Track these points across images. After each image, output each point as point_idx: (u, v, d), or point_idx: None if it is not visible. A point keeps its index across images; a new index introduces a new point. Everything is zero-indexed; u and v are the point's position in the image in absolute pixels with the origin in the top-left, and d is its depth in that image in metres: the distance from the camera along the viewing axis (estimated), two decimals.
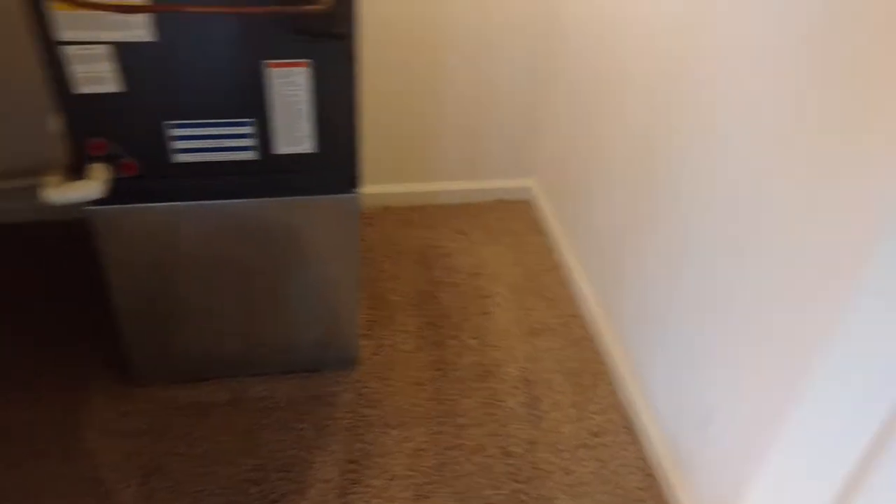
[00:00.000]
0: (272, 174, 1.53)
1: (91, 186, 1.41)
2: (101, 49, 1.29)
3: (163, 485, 1.67)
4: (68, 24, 1.26)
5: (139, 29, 1.28)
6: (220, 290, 1.72)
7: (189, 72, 1.36)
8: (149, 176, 1.48)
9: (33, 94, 1.96)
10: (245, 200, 1.56)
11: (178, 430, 1.78)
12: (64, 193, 1.40)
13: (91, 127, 1.39)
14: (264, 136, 1.47)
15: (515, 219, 2.43)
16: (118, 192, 1.47)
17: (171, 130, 1.43)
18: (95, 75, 1.32)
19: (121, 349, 1.84)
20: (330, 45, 1.33)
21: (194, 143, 1.45)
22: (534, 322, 2.09)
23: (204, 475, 1.69)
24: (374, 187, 2.36)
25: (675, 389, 1.67)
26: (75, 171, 1.44)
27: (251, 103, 1.42)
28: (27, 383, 1.84)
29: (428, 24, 2.10)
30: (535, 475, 1.74)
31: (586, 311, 2.10)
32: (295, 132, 1.47)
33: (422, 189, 2.41)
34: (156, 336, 1.77)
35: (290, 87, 1.39)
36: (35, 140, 2.03)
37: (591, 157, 2.04)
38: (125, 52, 1.31)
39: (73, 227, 2.24)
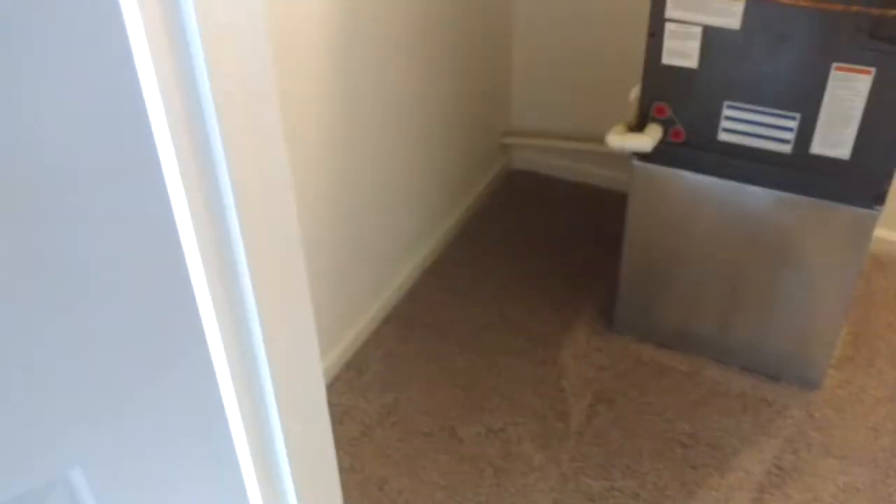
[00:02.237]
0: (798, 171, 1.63)
1: (645, 140, 1.70)
2: (695, 29, 1.56)
3: (607, 414, 1.92)
4: (677, 5, 1.54)
5: (732, 17, 1.51)
6: (713, 269, 1.88)
7: (757, 61, 1.55)
8: (691, 145, 1.71)
9: (627, 72, 2.33)
10: (765, 189, 1.69)
11: (635, 379, 2.00)
12: (623, 141, 1.72)
13: (661, 93, 1.68)
14: (805, 133, 1.58)
15: None
16: (661, 154, 1.74)
17: (725, 110, 1.63)
18: (681, 51, 1.59)
19: (612, 297, 2.13)
20: None
21: (740, 125, 1.64)
22: None
23: (642, 421, 1.89)
24: None
25: None
26: (637, 129, 1.75)
27: (803, 99, 1.55)
28: (536, 296, 2.25)
29: None
30: None
31: None
32: (836, 136, 1.55)
33: None
34: (644, 294, 2.02)
35: (848, 92, 1.49)
36: (617, 112, 2.40)
37: None
38: (711, 35, 1.56)
39: (621, 196, 2.61)
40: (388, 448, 1.85)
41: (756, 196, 1.71)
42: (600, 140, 2.50)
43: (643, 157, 1.76)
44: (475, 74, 2.35)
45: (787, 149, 1.62)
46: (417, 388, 1.99)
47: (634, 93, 1.85)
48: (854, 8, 1.33)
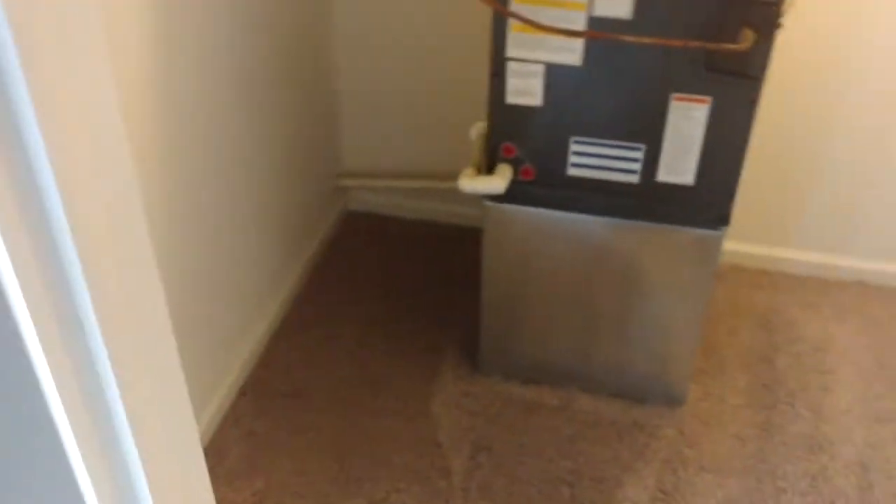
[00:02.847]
0: (646, 200, 1.66)
1: (496, 183, 1.66)
2: (537, 67, 1.54)
3: (488, 462, 1.86)
4: (517, 44, 1.52)
5: (572, 53, 1.51)
6: (570, 301, 1.88)
7: (600, 95, 1.56)
8: (541, 183, 1.70)
9: (461, 107, 2.30)
10: (616, 220, 1.71)
11: (508, 420, 1.96)
12: (474, 185, 1.67)
13: (507, 132, 1.65)
14: (650, 162, 1.61)
15: (879, 304, 2.30)
16: (512, 193, 1.71)
17: (572, 146, 1.63)
18: (525, 89, 1.57)
19: (474, 337, 2.08)
20: (736, 84, 1.45)
21: (588, 160, 1.64)
22: (881, 410, 1.97)
23: (524, 465, 1.85)
24: (728, 243, 2.39)
25: None
26: (485, 169, 1.71)
27: (647, 131, 1.57)
28: (396, 347, 2.16)
29: (833, 75, 2.08)
30: None
31: None
32: (680, 164, 1.59)
33: (777, 255, 2.39)
34: (506, 332, 1.99)
35: (688, 121, 1.53)
36: (454, 147, 2.36)
37: None
38: (553, 72, 1.55)
39: (465, 231, 2.57)
40: None
41: (607, 227, 1.72)
42: (441, 177, 2.48)
43: (494, 197, 1.72)
44: (300, 118, 2.23)
45: (634, 179, 1.64)
46: (287, 468, 1.83)
47: (476, 130, 1.82)
48: (693, 43, 1.36)
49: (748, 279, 2.39)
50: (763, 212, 2.33)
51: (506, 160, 1.68)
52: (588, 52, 1.51)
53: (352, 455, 1.86)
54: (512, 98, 1.59)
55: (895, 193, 2.22)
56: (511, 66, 1.55)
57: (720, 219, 1.65)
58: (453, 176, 1.85)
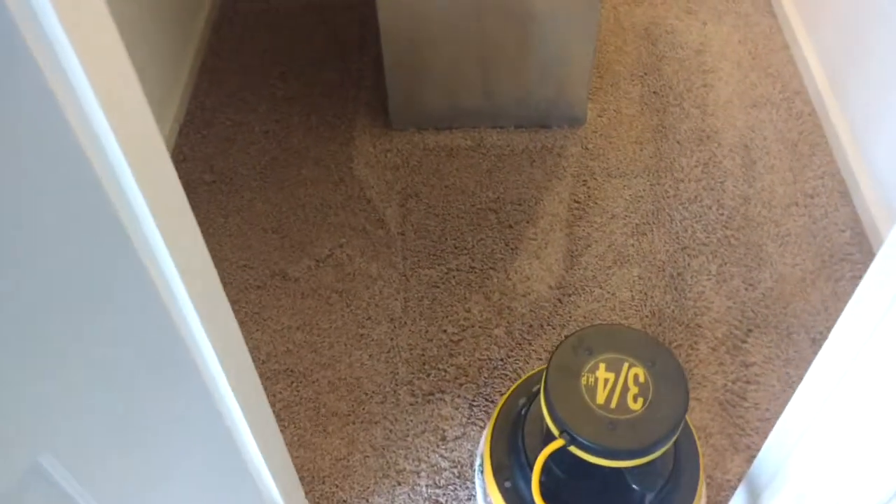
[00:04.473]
0: None
1: None
2: None
3: (418, 206, 1.99)
4: None
5: None
6: (465, 42, 1.93)
7: None
8: None
9: None
10: None
11: (429, 167, 2.08)
12: None
13: None
14: None
15: (749, 1, 2.45)
16: None
17: None
18: None
19: (381, 97, 2.13)
20: None
21: None
22: (756, 96, 2.18)
23: (451, 202, 1.99)
24: None
25: None
26: None
27: None
28: (308, 119, 2.19)
29: None
30: (746, 225, 1.90)
31: (812, 88, 2.14)
32: None
33: None
34: (411, 86, 2.04)
35: None
36: None
37: None
38: None
39: None
40: None
41: None
42: None
43: None
44: None
45: None
46: (230, 246, 1.92)
47: None
48: None
49: None
50: None
51: None
52: None
53: (289, 224, 1.96)
54: None
55: None
56: None
57: None
58: None
